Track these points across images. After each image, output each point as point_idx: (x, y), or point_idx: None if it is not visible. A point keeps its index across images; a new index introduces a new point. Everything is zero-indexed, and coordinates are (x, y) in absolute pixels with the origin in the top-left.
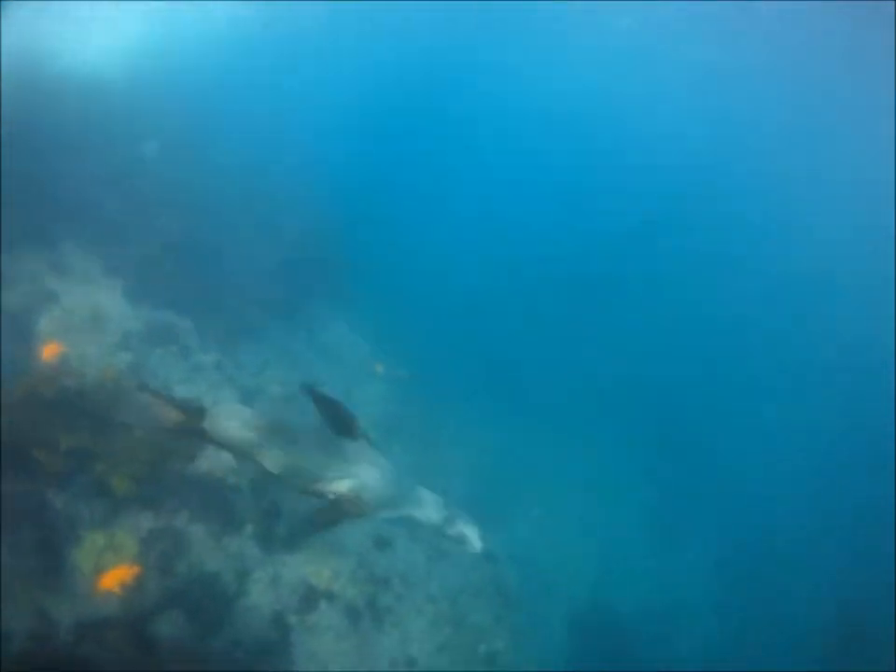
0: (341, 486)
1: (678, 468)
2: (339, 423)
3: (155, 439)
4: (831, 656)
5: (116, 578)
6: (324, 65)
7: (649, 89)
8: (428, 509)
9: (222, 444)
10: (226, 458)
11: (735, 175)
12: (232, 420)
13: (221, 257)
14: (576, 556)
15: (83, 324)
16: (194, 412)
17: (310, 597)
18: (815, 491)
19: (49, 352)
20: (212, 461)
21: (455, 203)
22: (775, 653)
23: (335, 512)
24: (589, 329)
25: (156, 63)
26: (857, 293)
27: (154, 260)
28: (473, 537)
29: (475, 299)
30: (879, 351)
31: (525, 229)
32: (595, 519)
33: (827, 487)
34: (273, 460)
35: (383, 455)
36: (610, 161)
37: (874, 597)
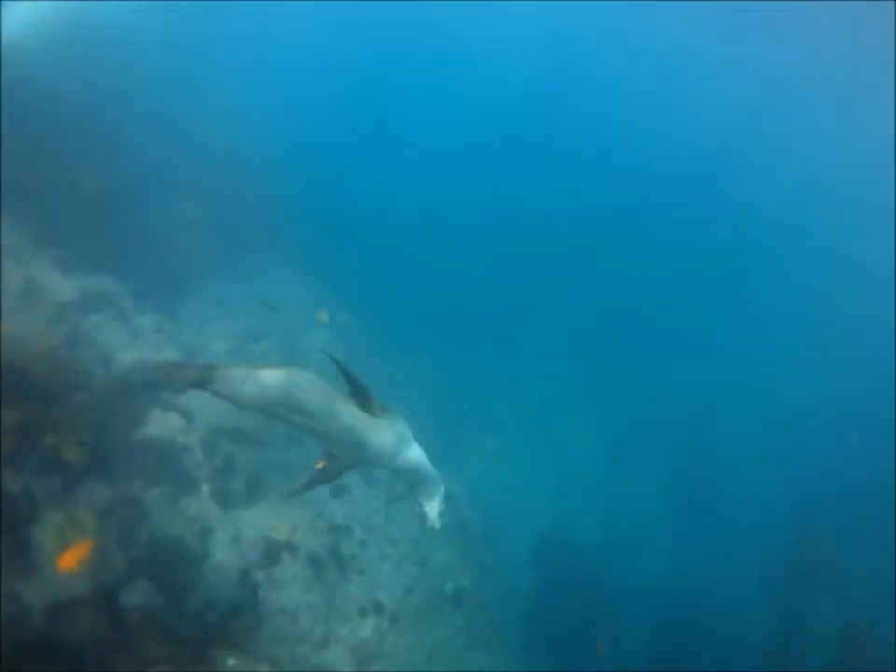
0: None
1: (625, 391)
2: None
3: (97, 403)
4: (785, 565)
5: (74, 557)
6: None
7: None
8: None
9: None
10: (174, 419)
11: None
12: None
13: (148, 214)
14: (533, 488)
15: (17, 300)
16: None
17: (272, 552)
18: (757, 398)
19: None
20: (161, 423)
21: (390, 139)
22: (729, 568)
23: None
24: (530, 258)
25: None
26: None
27: (80, 225)
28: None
29: (412, 236)
30: None
31: (459, 162)
32: (548, 450)
33: (770, 394)
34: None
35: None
36: None
37: (825, 496)
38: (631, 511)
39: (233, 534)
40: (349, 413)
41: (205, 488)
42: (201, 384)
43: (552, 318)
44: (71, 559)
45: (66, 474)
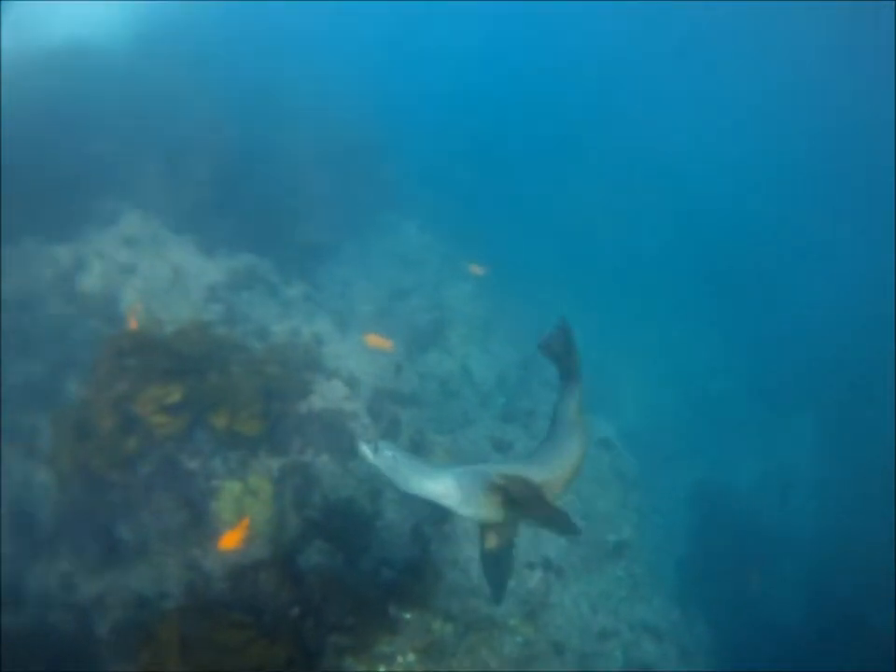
0: None
1: (774, 337)
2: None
3: (255, 379)
4: None
5: (235, 536)
6: None
7: None
8: None
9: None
10: (339, 387)
11: None
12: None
13: (276, 188)
14: (686, 433)
15: (167, 286)
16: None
17: (441, 507)
18: None
19: (135, 321)
20: (326, 392)
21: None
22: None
23: None
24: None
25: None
26: None
27: (214, 207)
28: None
29: (539, 190)
30: None
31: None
32: (699, 394)
33: None
34: None
35: None
36: None
37: None
38: (783, 457)
39: (402, 498)
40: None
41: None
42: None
43: (690, 260)
44: (232, 539)
45: (242, 448)
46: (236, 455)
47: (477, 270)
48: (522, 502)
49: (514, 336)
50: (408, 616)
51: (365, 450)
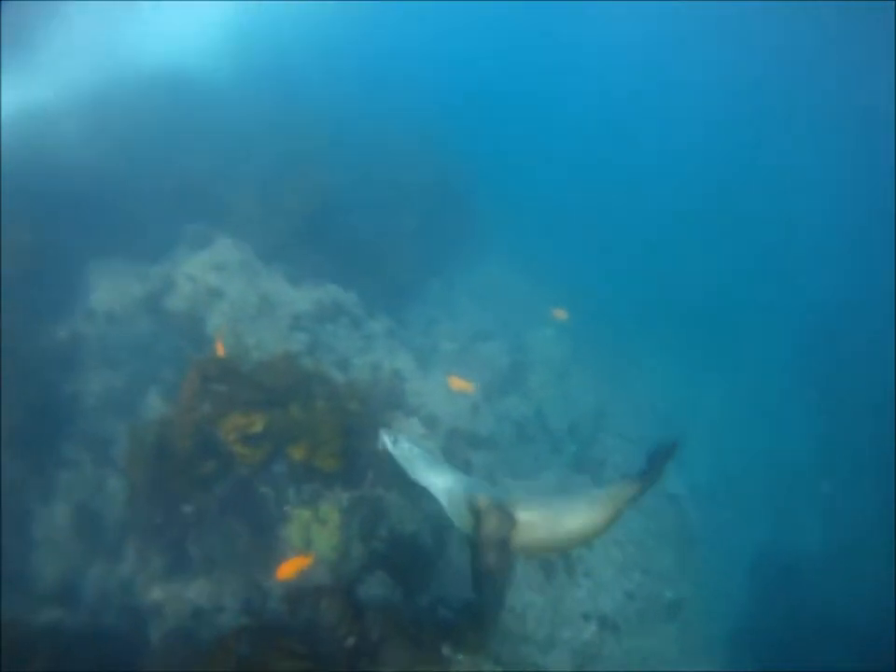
0: None
1: (844, 397)
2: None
3: (337, 416)
4: None
5: (293, 567)
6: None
7: None
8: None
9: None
10: (416, 425)
11: None
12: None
13: (364, 225)
14: (756, 492)
15: (253, 313)
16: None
17: None
18: None
19: (221, 347)
20: (403, 428)
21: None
22: None
23: None
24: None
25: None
26: None
27: (303, 238)
28: None
29: (627, 237)
30: None
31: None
32: (766, 454)
33: None
34: None
35: None
36: None
37: None
38: (851, 525)
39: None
40: None
41: None
42: None
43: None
44: (290, 569)
45: (316, 481)
46: (310, 487)
47: (560, 314)
48: (484, 532)
49: (592, 383)
50: (460, 657)
51: (386, 439)
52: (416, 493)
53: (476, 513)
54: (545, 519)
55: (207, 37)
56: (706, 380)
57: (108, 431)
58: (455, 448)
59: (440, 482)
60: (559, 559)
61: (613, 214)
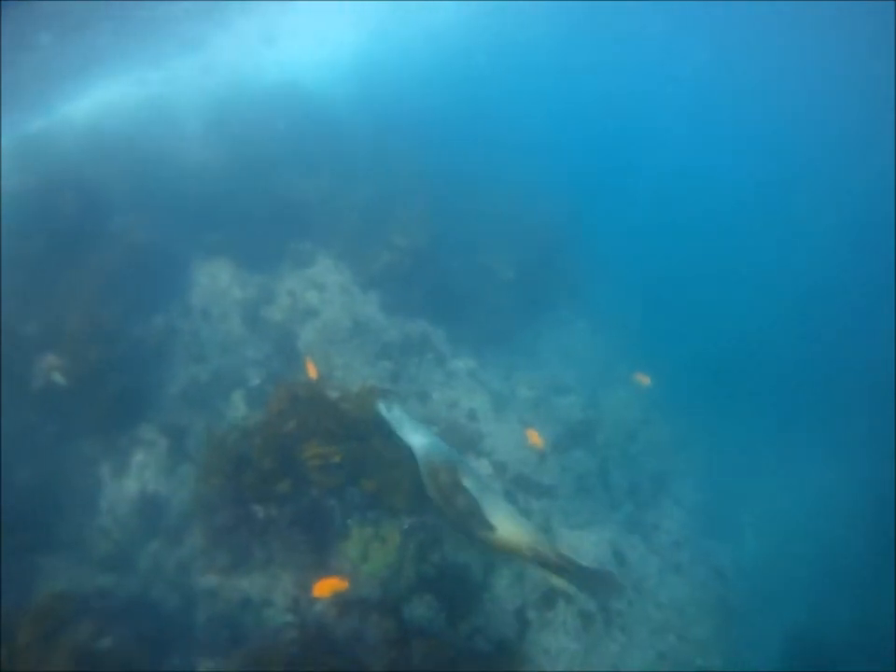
0: None
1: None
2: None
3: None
4: None
5: (329, 587)
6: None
7: None
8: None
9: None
10: (485, 465)
11: None
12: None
13: (462, 265)
14: (795, 569)
15: (345, 335)
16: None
17: (550, 597)
18: None
19: (312, 368)
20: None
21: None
22: None
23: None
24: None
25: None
26: None
27: (404, 273)
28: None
29: (714, 307)
30: None
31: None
32: (815, 531)
33: None
34: None
35: None
36: None
37: None
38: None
39: (518, 573)
40: None
41: None
42: None
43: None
44: (326, 588)
45: (384, 509)
46: (375, 512)
47: (642, 379)
48: (434, 480)
49: (660, 448)
50: None
51: (382, 407)
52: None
53: (432, 467)
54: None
55: (334, 67)
56: (783, 452)
57: (186, 421)
58: (517, 492)
59: (416, 440)
60: (598, 611)
61: (706, 282)
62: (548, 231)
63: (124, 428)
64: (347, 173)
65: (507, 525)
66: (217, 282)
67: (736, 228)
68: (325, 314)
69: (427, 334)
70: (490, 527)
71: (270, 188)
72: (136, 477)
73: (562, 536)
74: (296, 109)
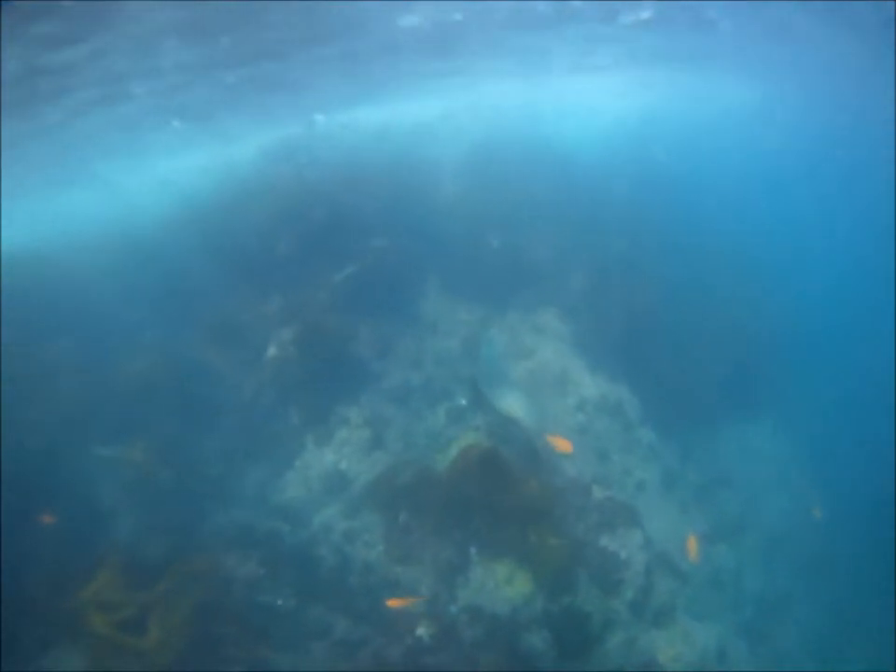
0: None
1: None
2: None
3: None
4: None
5: (402, 602)
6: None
7: None
8: None
9: None
10: (637, 536)
11: None
12: None
13: (670, 342)
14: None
15: (550, 381)
16: None
17: (650, 666)
18: None
19: (563, 446)
20: (624, 536)
21: None
22: None
23: None
24: None
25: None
26: None
27: (614, 334)
28: None
29: None
30: None
31: None
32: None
33: None
34: None
35: None
36: None
37: None
38: None
39: (630, 637)
40: None
41: (629, 594)
42: None
43: None
44: (399, 603)
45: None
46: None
47: (816, 512)
48: None
49: (794, 566)
50: None
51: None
52: (610, 590)
53: None
54: None
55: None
56: None
57: (388, 415)
58: (654, 566)
59: None
60: None
61: None
62: (763, 333)
63: (332, 407)
64: (579, 232)
65: None
66: (445, 302)
67: None
68: (537, 356)
69: (622, 399)
70: None
71: (509, 237)
72: (335, 451)
73: (678, 620)
74: (554, 166)
